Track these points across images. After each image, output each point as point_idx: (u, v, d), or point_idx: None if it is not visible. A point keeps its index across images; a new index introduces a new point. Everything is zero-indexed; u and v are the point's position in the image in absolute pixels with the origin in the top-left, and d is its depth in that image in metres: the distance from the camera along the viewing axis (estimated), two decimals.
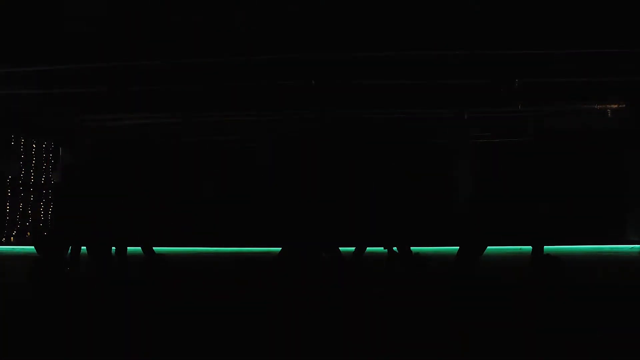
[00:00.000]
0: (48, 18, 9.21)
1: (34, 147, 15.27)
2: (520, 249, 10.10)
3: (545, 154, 14.83)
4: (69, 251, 7.56)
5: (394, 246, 7.61)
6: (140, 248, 7.62)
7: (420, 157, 14.49)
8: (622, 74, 10.51)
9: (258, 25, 9.22)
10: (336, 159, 14.80)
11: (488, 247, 6.85)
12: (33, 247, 7.35)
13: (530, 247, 6.70)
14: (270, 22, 9.17)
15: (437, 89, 11.93)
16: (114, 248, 7.39)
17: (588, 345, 3.58)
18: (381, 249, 7.87)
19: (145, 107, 13.22)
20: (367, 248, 7.77)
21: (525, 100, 12.34)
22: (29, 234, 14.40)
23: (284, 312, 4.72)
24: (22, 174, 14.91)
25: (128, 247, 7.43)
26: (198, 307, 5.04)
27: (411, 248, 7.55)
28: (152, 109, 13.58)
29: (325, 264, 7.18)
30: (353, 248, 7.48)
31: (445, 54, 9.83)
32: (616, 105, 12.77)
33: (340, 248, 7.33)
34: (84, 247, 7.96)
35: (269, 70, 10.60)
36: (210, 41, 9.49)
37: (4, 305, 5.40)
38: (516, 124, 14.13)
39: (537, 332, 3.89)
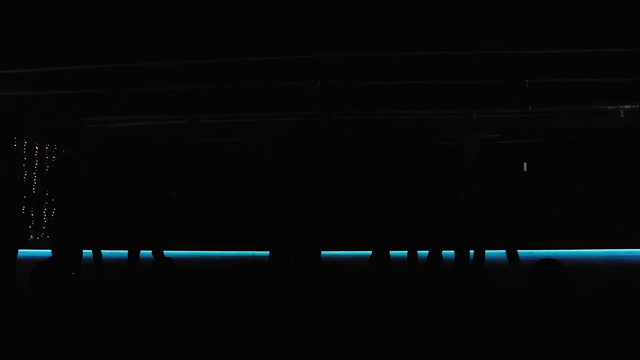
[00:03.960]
0: (50, 19, 9.16)
1: (37, 150, 15.22)
2: (530, 252, 9.97)
3: (556, 155, 14.70)
4: (73, 255, 7.48)
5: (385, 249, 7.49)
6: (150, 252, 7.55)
7: (427, 159, 14.38)
8: (636, 74, 10.35)
9: (261, 26, 9.14)
10: (341, 161, 14.79)
11: (495, 252, 6.74)
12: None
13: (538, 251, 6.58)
14: (273, 24, 9.09)
15: (446, 90, 11.83)
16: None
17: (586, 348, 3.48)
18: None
19: (149, 109, 13.17)
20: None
21: (536, 101, 12.20)
22: (31, 237, 14.29)
23: (286, 315, 4.62)
24: (25, 177, 14.83)
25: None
26: (200, 311, 4.95)
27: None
28: (156, 111, 13.54)
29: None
30: (348, 252, 7.39)
31: (453, 54, 9.72)
32: (629, 106, 12.61)
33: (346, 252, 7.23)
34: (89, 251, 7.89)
35: (273, 71, 10.52)
36: (213, 42, 9.42)
37: (8, 308, 5.32)
38: (526, 125, 14.02)
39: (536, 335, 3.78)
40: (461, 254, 7.27)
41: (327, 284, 6.90)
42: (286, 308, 5.09)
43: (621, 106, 12.54)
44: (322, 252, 7.74)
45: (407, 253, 7.60)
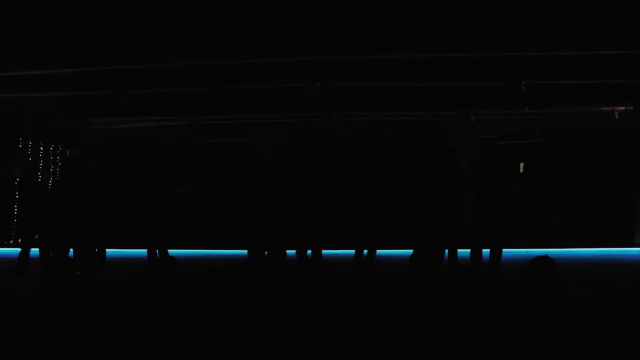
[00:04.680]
0: (53, 20, 9.25)
1: (41, 150, 15.31)
2: (527, 251, 10.06)
3: (553, 156, 14.80)
4: (79, 254, 7.60)
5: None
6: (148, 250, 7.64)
7: (426, 159, 14.46)
8: (630, 75, 10.47)
9: (262, 28, 9.24)
10: (341, 161, 14.87)
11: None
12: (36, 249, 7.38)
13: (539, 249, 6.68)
14: (274, 26, 9.19)
15: (444, 91, 11.91)
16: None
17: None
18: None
19: (151, 110, 13.27)
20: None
21: (532, 102, 12.30)
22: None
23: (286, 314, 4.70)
24: (30, 177, 14.92)
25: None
26: (202, 309, 5.03)
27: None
28: (159, 112, 13.64)
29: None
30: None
31: (451, 56, 9.82)
32: (623, 108, 12.71)
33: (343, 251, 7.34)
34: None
35: (273, 73, 10.62)
36: (214, 44, 9.52)
37: (13, 307, 5.42)
38: (523, 126, 14.10)
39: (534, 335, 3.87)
40: (452, 252, 7.33)
41: (329, 281, 7.00)
42: (287, 305, 5.20)
43: (615, 107, 12.65)
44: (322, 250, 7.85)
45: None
